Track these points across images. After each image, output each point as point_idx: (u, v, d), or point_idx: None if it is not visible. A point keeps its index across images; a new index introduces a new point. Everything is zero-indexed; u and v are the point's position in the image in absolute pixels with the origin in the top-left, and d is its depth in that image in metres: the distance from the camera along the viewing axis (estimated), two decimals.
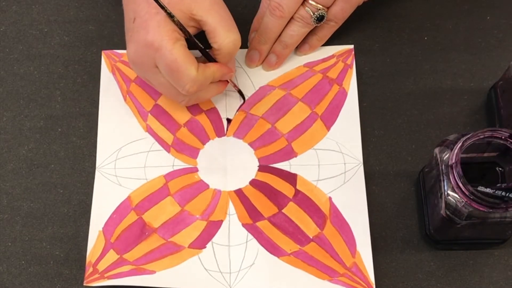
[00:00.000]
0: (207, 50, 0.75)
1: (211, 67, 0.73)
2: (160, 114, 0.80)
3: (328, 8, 0.78)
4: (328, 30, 0.81)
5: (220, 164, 0.78)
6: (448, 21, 0.85)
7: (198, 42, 0.73)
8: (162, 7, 0.69)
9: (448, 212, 0.67)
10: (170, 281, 0.72)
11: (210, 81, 0.74)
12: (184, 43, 0.71)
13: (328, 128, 0.79)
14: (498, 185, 0.69)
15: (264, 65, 0.82)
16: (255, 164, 0.78)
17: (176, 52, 0.70)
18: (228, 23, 0.72)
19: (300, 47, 0.82)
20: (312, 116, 0.80)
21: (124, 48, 0.75)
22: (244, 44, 0.83)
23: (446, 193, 0.67)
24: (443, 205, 0.67)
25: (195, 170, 0.78)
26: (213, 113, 0.81)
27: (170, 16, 0.70)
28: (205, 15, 0.71)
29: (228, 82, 0.78)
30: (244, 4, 0.86)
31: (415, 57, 0.83)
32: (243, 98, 0.81)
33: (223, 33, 0.72)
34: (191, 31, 0.72)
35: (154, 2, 0.69)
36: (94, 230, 0.75)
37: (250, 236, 0.74)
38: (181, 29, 0.71)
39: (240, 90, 0.80)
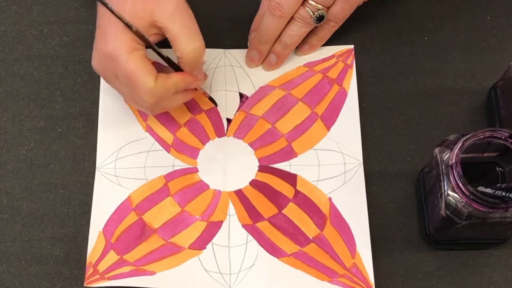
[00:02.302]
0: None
1: (173, 77, 0.71)
2: (160, 114, 0.80)
3: (328, 8, 0.78)
4: (328, 30, 0.81)
5: (220, 164, 0.78)
6: (448, 21, 0.85)
7: (161, 51, 0.72)
8: (119, 17, 0.68)
9: (448, 212, 0.67)
10: (170, 282, 0.72)
11: (172, 91, 0.72)
12: (142, 52, 0.70)
13: (328, 128, 0.79)
14: (498, 185, 0.69)
15: (264, 65, 0.82)
16: (255, 164, 0.78)
17: (133, 63, 0.68)
18: (191, 30, 0.70)
19: (300, 47, 0.82)
20: (312, 116, 0.80)
21: None
22: (244, 44, 0.83)
23: (446, 193, 0.67)
24: (443, 205, 0.67)
25: (195, 170, 0.78)
26: (213, 113, 0.81)
27: (128, 26, 0.68)
28: (167, 22, 0.69)
29: (196, 89, 0.77)
30: (244, 4, 0.86)
31: (415, 57, 0.83)
32: (215, 104, 0.80)
33: (185, 41, 0.70)
34: (154, 38, 0.71)
35: (116, 14, 0.68)
36: (94, 230, 0.75)
37: (250, 237, 0.74)
38: (140, 39, 0.69)
39: (211, 97, 0.80)
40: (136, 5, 0.69)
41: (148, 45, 0.71)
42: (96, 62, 0.72)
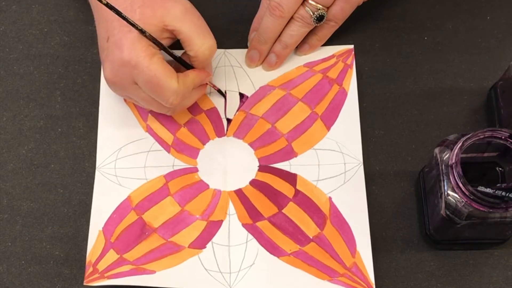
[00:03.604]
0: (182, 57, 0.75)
1: (190, 75, 0.73)
2: (160, 114, 0.80)
3: (328, 8, 0.78)
4: (328, 30, 0.81)
5: (220, 164, 0.78)
6: (448, 21, 0.85)
7: (173, 52, 0.73)
8: (133, 24, 0.69)
9: (448, 212, 0.67)
10: (170, 281, 0.72)
11: (191, 89, 0.74)
12: (161, 56, 0.71)
13: (328, 128, 0.79)
14: (498, 185, 0.69)
15: (264, 65, 0.82)
16: (255, 164, 0.78)
17: (154, 67, 0.69)
18: (202, 29, 0.72)
19: (300, 47, 0.82)
20: (312, 116, 0.80)
21: None
22: (244, 44, 0.83)
23: (446, 193, 0.67)
24: (443, 205, 0.67)
25: (195, 170, 0.78)
26: (213, 113, 0.81)
27: (142, 32, 0.69)
28: (178, 25, 0.71)
29: (207, 84, 0.78)
30: (244, 4, 0.86)
31: (415, 57, 0.83)
32: (224, 96, 0.81)
33: (199, 40, 0.72)
34: (166, 42, 0.72)
35: (125, 20, 0.68)
36: (94, 230, 0.75)
37: (250, 236, 0.74)
38: (154, 43, 0.71)
39: (220, 89, 0.80)
40: (145, 13, 0.70)
41: (161, 48, 0.72)
42: (110, 73, 0.72)
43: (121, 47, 0.70)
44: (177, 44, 0.74)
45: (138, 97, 0.73)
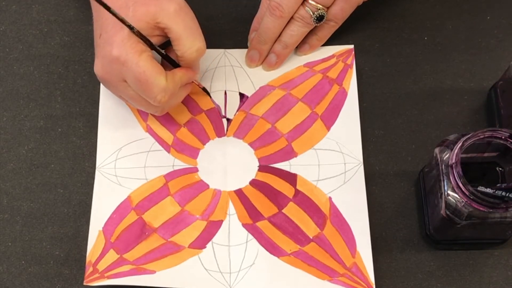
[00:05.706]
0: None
1: (178, 73, 0.73)
2: None
3: (328, 8, 0.78)
4: (328, 30, 0.81)
5: (220, 164, 0.78)
6: (448, 21, 0.85)
7: (161, 50, 0.73)
8: (121, 19, 0.68)
9: (448, 212, 0.67)
10: (170, 281, 0.72)
11: (179, 87, 0.73)
12: (150, 54, 0.71)
13: (328, 128, 0.79)
14: (498, 185, 0.69)
15: (264, 65, 0.82)
16: (255, 164, 0.78)
17: (143, 64, 0.69)
18: (193, 31, 0.72)
19: (300, 47, 0.82)
20: (312, 116, 0.80)
21: None
22: (244, 44, 0.83)
23: (446, 193, 0.67)
24: (443, 205, 0.67)
25: (195, 170, 0.78)
26: (213, 113, 0.81)
27: (130, 28, 0.69)
28: (169, 23, 0.71)
29: (193, 82, 0.78)
30: (244, 4, 0.86)
31: (415, 57, 0.83)
32: (209, 94, 0.80)
33: (188, 41, 0.71)
34: (157, 40, 0.72)
35: (119, 17, 0.68)
36: (94, 230, 0.75)
37: (250, 236, 0.74)
38: (142, 39, 0.70)
39: (205, 87, 0.80)
40: (139, 10, 0.70)
41: (148, 45, 0.71)
42: (100, 69, 0.72)
43: (112, 44, 0.70)
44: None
45: (127, 95, 0.73)
